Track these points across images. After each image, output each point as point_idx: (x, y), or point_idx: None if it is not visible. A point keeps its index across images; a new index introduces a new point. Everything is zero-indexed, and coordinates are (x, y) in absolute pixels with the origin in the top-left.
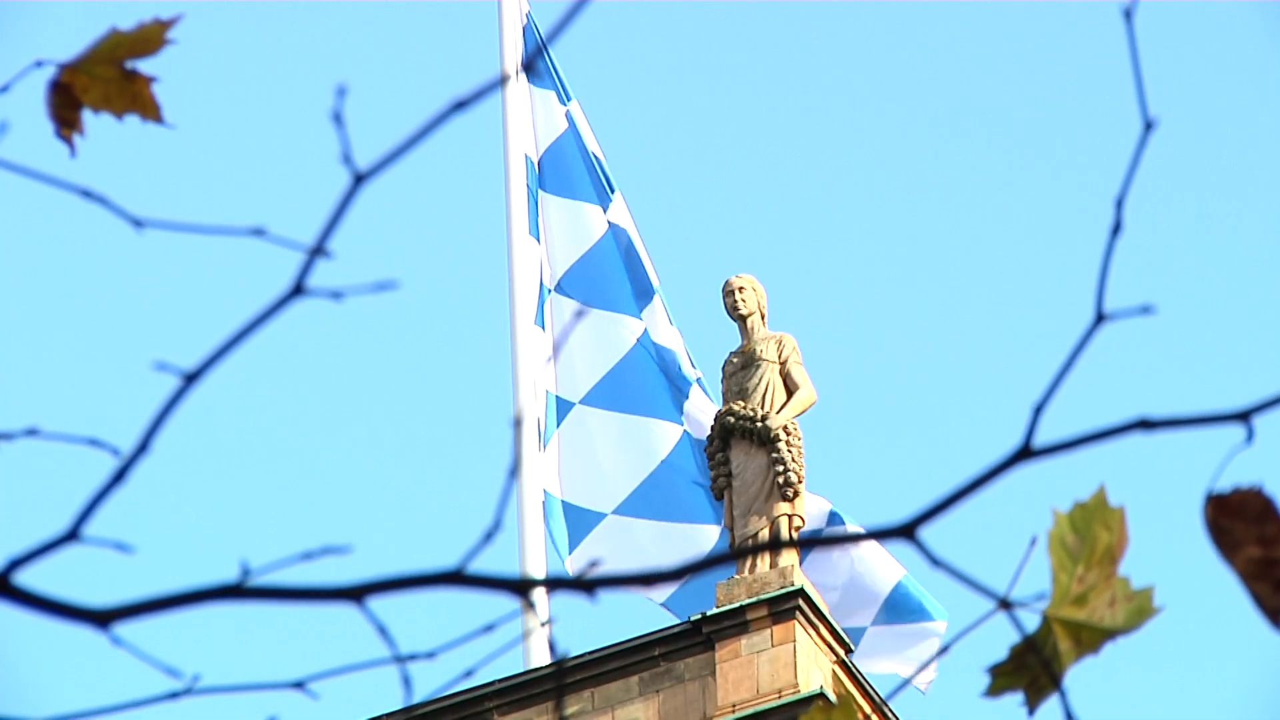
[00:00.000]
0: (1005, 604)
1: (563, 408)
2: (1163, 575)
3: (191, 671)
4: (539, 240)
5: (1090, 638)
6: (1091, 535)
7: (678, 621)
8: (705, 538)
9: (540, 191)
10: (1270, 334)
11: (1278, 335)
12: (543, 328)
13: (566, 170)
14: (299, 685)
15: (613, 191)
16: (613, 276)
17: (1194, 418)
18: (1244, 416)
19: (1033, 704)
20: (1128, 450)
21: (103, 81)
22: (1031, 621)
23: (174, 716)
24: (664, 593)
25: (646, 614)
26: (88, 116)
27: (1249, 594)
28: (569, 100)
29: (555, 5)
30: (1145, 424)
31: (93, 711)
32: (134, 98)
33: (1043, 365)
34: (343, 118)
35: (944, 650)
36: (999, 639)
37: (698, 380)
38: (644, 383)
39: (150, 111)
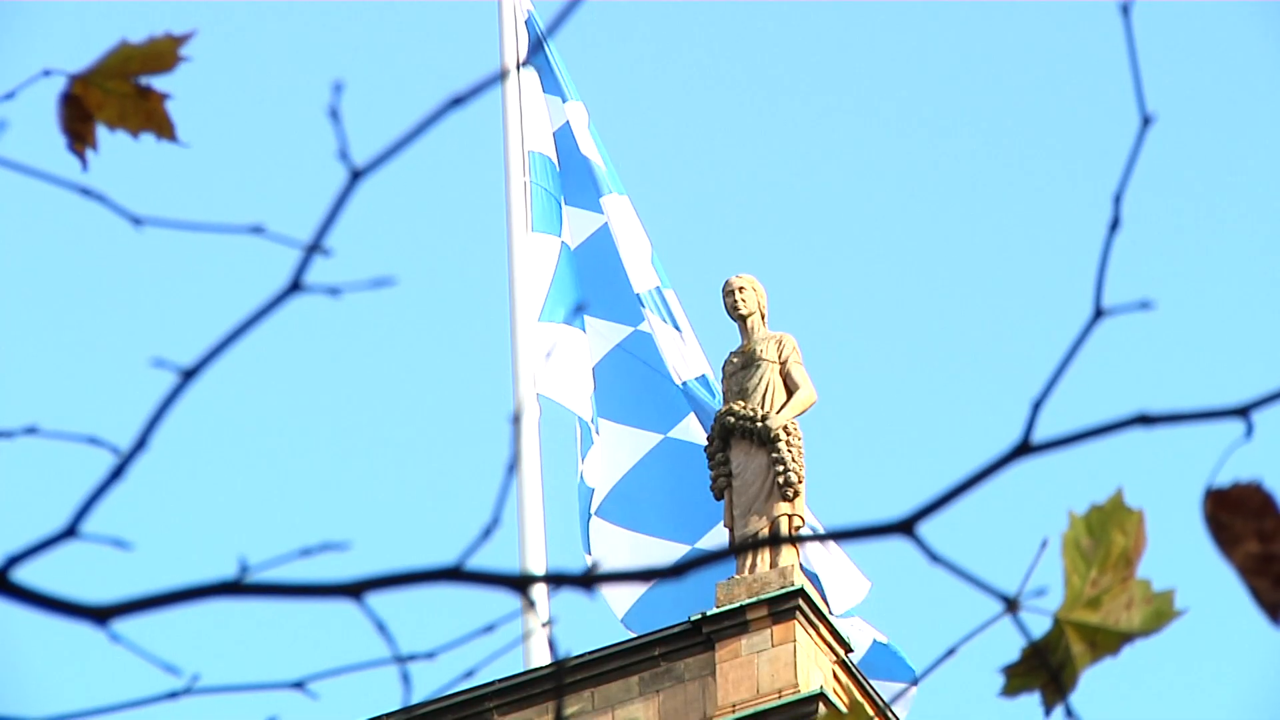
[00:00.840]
0: (1012, 606)
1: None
2: (1161, 571)
3: (190, 669)
4: (559, 235)
5: (1106, 640)
6: (1107, 538)
7: (674, 624)
8: (662, 553)
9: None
10: (1269, 329)
11: (1277, 330)
12: (583, 328)
13: (559, 174)
14: (299, 685)
15: (613, 192)
16: (593, 282)
17: (1193, 413)
18: (1243, 412)
19: (1050, 704)
20: (1127, 445)
21: (117, 97)
22: (1042, 623)
23: (173, 716)
24: (624, 606)
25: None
26: (100, 131)
27: (1248, 589)
28: (565, 101)
29: (556, 2)
30: (1144, 419)
31: (92, 711)
32: (148, 115)
33: (1042, 361)
34: (340, 114)
35: (951, 652)
36: (992, 633)
37: (684, 385)
38: (617, 389)
39: (165, 130)
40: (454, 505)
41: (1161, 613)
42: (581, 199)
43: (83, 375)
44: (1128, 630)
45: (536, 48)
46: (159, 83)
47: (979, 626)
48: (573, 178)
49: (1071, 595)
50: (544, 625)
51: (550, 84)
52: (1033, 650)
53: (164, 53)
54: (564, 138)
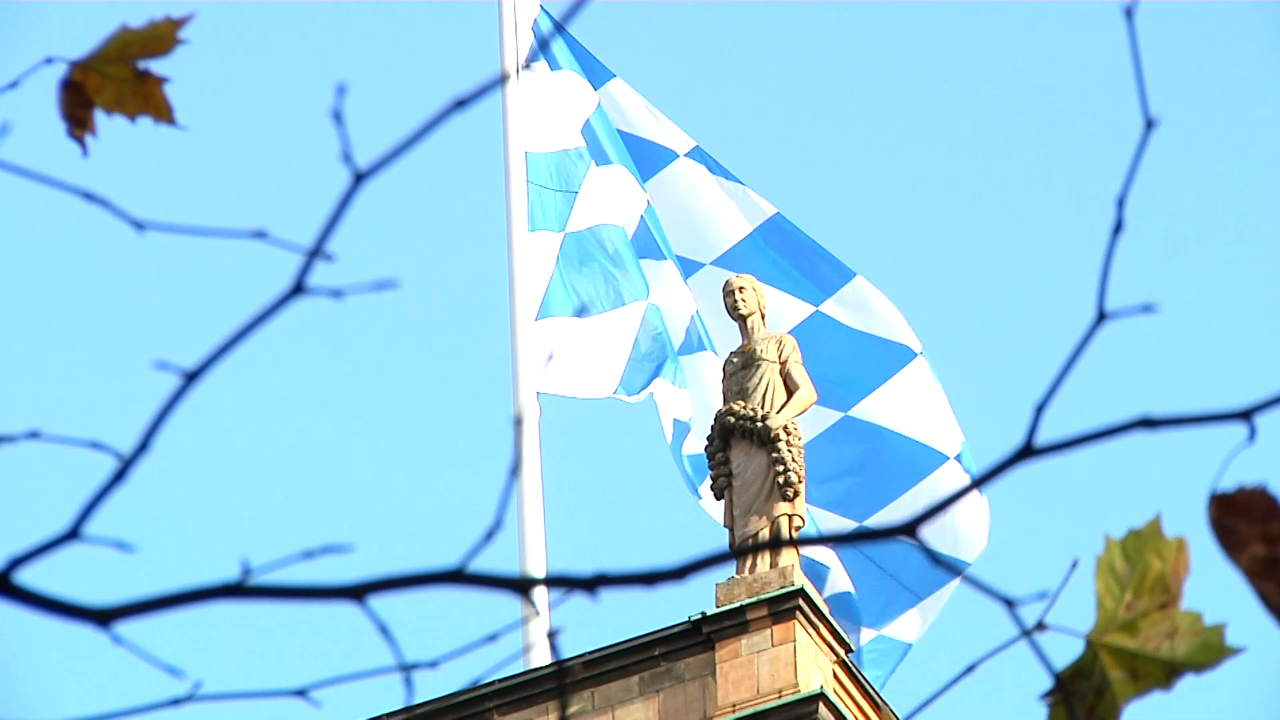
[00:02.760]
0: (1039, 627)
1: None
2: None
3: (192, 671)
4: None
5: (1148, 669)
6: (1143, 563)
7: (674, 623)
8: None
9: (593, 165)
10: (1272, 332)
11: (1279, 334)
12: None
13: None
14: (301, 693)
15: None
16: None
17: (1196, 416)
18: (1246, 415)
19: None
20: (1130, 449)
21: (115, 81)
22: (1074, 647)
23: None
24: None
25: (646, 614)
26: (99, 117)
27: (1254, 592)
28: (611, 77)
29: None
30: (1147, 422)
31: (94, 717)
32: (147, 99)
33: (1045, 364)
34: (343, 116)
35: (970, 670)
36: (990, 631)
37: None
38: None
39: (163, 113)
40: (456, 507)
41: (1211, 646)
42: (652, 167)
43: (85, 378)
44: (1170, 658)
45: (561, 35)
46: (159, 67)
47: (1000, 645)
48: (640, 151)
49: (1104, 618)
50: (549, 636)
51: (589, 67)
52: (1069, 675)
53: (163, 36)
54: (614, 115)
